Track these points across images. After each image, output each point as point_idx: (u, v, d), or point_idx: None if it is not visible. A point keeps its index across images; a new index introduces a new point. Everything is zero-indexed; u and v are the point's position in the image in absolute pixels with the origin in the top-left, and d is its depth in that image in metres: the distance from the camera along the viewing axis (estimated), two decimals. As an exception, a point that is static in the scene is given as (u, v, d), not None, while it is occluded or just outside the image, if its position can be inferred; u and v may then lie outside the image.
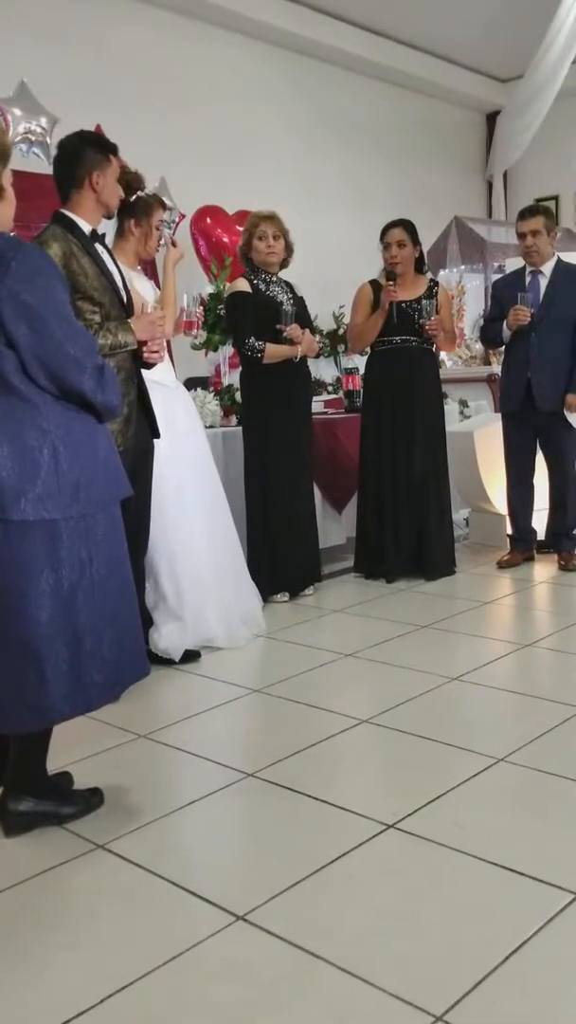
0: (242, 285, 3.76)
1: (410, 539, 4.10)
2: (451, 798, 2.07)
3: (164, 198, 3.93)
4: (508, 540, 4.41)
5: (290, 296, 3.79)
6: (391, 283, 3.98)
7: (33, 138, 4.44)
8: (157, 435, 2.91)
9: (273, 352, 3.67)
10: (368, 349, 4.20)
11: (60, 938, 1.64)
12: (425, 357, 4.12)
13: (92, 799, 2.09)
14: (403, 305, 4.00)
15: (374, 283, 4.12)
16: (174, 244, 3.31)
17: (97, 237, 2.66)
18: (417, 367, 4.07)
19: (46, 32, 5.00)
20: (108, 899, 1.75)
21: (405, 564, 4.10)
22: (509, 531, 4.40)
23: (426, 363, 4.13)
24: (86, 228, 2.62)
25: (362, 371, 4.38)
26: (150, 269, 3.81)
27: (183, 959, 1.55)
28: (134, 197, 2.99)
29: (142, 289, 3.06)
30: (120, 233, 3.07)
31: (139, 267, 3.20)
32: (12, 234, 1.90)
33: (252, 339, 3.66)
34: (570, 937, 1.57)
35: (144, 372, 2.82)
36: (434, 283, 4.18)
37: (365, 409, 4.22)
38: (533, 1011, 1.40)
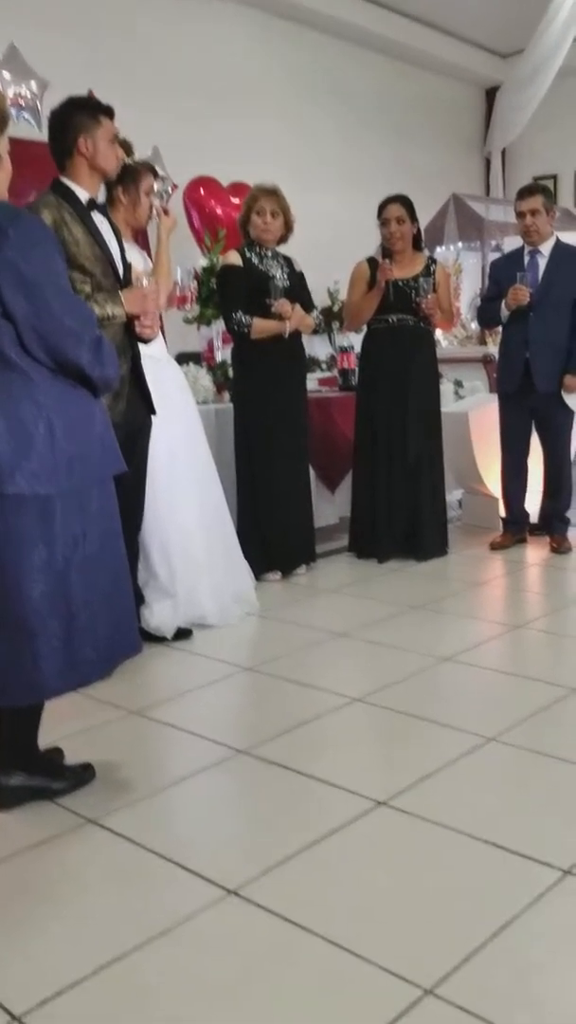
0: (233, 258, 3.72)
1: (403, 519, 4.10)
2: (441, 776, 2.08)
3: (157, 167, 3.87)
4: (501, 522, 4.42)
5: (286, 271, 3.75)
6: (387, 261, 3.94)
7: (23, 103, 4.36)
8: (153, 412, 2.88)
9: (261, 327, 3.64)
10: (364, 327, 4.17)
11: (51, 912, 1.64)
12: (421, 336, 4.09)
13: (83, 774, 2.09)
14: (400, 283, 3.96)
15: (371, 260, 4.08)
16: (165, 213, 3.26)
17: (95, 205, 2.61)
18: (413, 346, 4.04)
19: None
20: (99, 873, 1.76)
21: (398, 544, 4.10)
22: (502, 513, 4.41)
23: (422, 342, 4.10)
24: (83, 196, 2.58)
25: (357, 349, 4.35)
26: (142, 240, 3.76)
27: (174, 933, 1.56)
28: (121, 164, 2.94)
29: (133, 259, 3.02)
30: (109, 202, 3.02)
31: (130, 237, 3.15)
32: (9, 204, 1.87)
33: (239, 313, 3.62)
34: (558, 913, 1.58)
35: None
36: (432, 261, 4.14)
37: (360, 388, 4.19)
38: (521, 985, 1.41)
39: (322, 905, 1.62)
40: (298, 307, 3.71)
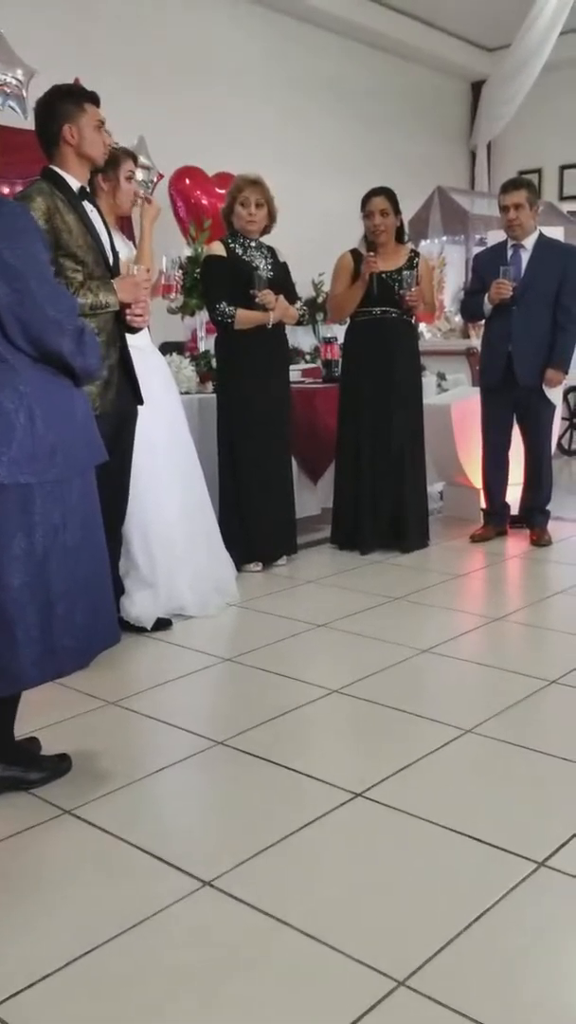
0: (217, 249, 3.70)
1: (385, 511, 4.11)
2: (419, 768, 2.09)
3: (143, 157, 3.84)
4: (482, 514, 4.43)
5: (269, 262, 3.74)
6: (372, 254, 3.93)
7: (8, 90, 4.32)
8: (140, 401, 2.87)
9: (244, 318, 3.63)
10: (347, 319, 4.16)
11: (26, 902, 1.64)
12: (404, 329, 4.09)
13: (60, 765, 2.08)
14: (383, 276, 3.96)
15: (354, 252, 4.07)
16: (148, 201, 3.25)
17: (86, 194, 2.61)
18: (396, 339, 4.04)
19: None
20: (75, 864, 1.75)
21: (380, 536, 4.11)
22: (483, 505, 4.42)
23: (405, 335, 4.10)
24: (74, 184, 2.57)
25: (341, 340, 4.35)
26: (127, 228, 3.73)
27: (149, 923, 1.56)
28: (109, 150, 2.92)
29: (119, 248, 3.00)
30: (92, 190, 3.00)
31: (115, 224, 3.12)
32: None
33: (223, 304, 3.61)
34: (531, 906, 1.60)
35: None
36: (415, 253, 4.14)
37: (343, 380, 4.19)
38: (494, 977, 1.42)
39: (297, 897, 1.63)
40: (282, 298, 3.69)
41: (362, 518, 4.09)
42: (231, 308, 3.61)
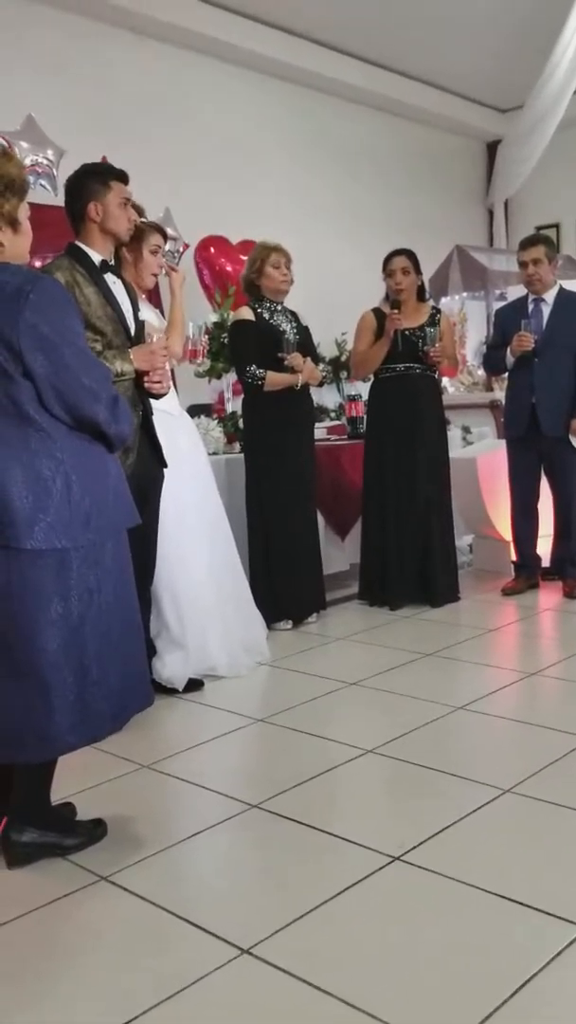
0: (245, 314, 3.80)
1: (414, 566, 4.10)
2: (457, 830, 2.05)
3: (169, 228, 3.98)
4: (512, 567, 4.41)
5: (294, 325, 3.83)
6: (396, 311, 4.01)
7: (40, 170, 4.53)
8: (164, 465, 2.92)
9: (274, 380, 3.70)
10: (371, 376, 4.23)
11: (63, 971, 1.62)
12: (428, 384, 4.15)
13: (95, 830, 2.07)
14: (406, 332, 4.03)
15: (376, 311, 4.16)
16: (173, 270, 3.35)
17: (108, 267, 2.70)
18: (420, 394, 4.10)
19: (51, 66, 5.10)
20: (112, 932, 1.73)
21: (409, 591, 4.10)
22: (513, 558, 4.40)
23: (429, 390, 4.16)
24: (96, 258, 2.67)
25: (365, 398, 4.41)
26: (155, 298, 3.85)
27: (188, 993, 1.53)
28: (133, 226, 3.03)
29: (147, 318, 3.09)
30: (119, 262, 3.10)
31: (144, 295, 3.22)
32: (29, 268, 1.93)
33: (253, 367, 3.69)
34: (579, 972, 1.55)
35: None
36: (436, 311, 4.22)
37: (368, 436, 4.24)
38: (542, 1049, 1.38)
39: (337, 964, 1.59)
40: (308, 360, 3.78)
41: (390, 573, 4.09)
42: (261, 371, 3.69)
